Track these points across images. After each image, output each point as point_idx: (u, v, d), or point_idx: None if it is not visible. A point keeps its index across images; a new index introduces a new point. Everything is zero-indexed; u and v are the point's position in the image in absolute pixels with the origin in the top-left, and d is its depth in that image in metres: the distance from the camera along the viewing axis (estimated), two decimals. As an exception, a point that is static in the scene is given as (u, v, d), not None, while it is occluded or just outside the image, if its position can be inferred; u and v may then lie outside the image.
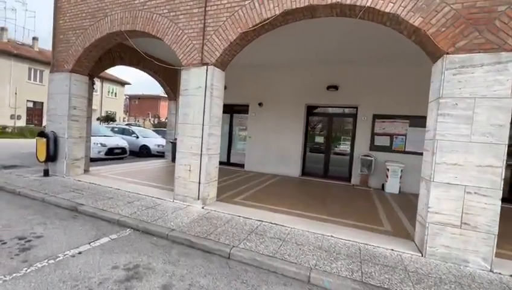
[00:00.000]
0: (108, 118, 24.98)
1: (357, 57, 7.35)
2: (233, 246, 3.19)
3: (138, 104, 41.82)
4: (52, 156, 6.16)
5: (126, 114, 38.88)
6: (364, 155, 7.48)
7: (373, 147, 7.66)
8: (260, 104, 9.06)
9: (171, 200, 4.88)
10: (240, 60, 8.95)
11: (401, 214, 5.09)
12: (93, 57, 6.28)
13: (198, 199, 4.63)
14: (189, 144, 4.71)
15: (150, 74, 9.45)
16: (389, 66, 7.40)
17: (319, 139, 8.80)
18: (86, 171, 6.85)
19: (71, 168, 6.32)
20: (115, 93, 31.28)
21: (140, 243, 3.27)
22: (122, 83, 32.35)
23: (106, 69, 7.52)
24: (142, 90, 49.46)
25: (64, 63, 6.25)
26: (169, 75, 10.06)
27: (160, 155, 11.81)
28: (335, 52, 7.09)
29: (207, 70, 4.57)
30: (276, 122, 8.84)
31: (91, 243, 3.15)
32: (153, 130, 14.84)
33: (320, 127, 8.95)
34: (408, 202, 6.11)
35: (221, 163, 10.51)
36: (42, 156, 6.07)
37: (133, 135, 12.16)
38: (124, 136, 11.73)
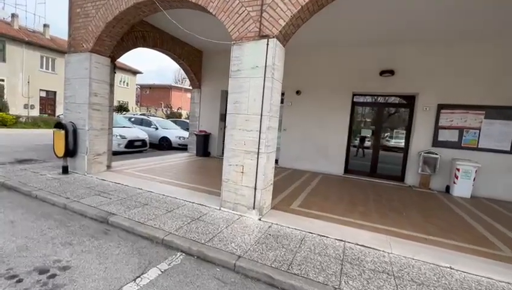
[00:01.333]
0: (122, 108, 24.31)
1: (422, 36, 6.15)
2: (336, 289, 2.26)
3: (149, 94, 41.08)
4: (71, 151, 5.34)
5: (137, 104, 38.33)
6: (428, 152, 6.39)
7: (436, 143, 6.54)
8: (298, 92, 7.99)
9: (218, 208, 3.98)
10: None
11: (503, 228, 4.05)
12: (117, 34, 5.33)
13: (254, 208, 3.71)
14: (242, 139, 3.75)
15: (173, 58, 8.46)
16: (460, 46, 6.18)
17: (366, 133, 7.72)
18: (108, 167, 6.03)
19: (93, 164, 5.49)
20: (127, 83, 30.53)
21: (202, 279, 2.37)
22: (134, 72, 31.54)
23: (128, 50, 6.57)
24: (152, 80, 48.69)
25: (82, 42, 5.32)
26: (194, 60, 9.07)
27: (181, 148, 10.96)
28: (397, 30, 5.91)
29: (267, 44, 3.54)
30: (317, 113, 7.78)
31: (137, 280, 2.27)
32: (171, 121, 13.99)
33: (368, 119, 7.84)
34: (494, 210, 5.05)
35: None
36: (60, 150, 5.25)
37: (152, 126, 11.32)
38: (142, 128, 10.92)
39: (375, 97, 7.54)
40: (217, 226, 3.35)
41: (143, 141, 9.49)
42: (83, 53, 5.30)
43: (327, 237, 3.26)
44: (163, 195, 4.41)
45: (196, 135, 9.20)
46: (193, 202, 4.17)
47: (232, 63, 3.82)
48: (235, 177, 3.83)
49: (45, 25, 24.08)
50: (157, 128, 11.27)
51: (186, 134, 11.44)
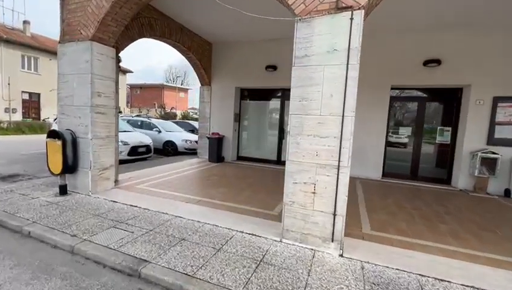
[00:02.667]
0: (113, 110, 22.80)
1: (475, 20, 5.36)
2: None
3: (140, 94, 39.29)
4: (71, 166, 4.24)
5: (127, 105, 36.54)
6: (486, 151, 5.62)
7: (492, 140, 5.79)
8: (326, 87, 7.08)
9: (278, 240, 3.02)
10: (291, 29, 6.83)
11: None
12: (124, 16, 4.25)
13: (332, 240, 2.77)
14: (313, 148, 2.79)
15: (181, 51, 7.38)
16: (520, 30, 5.42)
17: (405, 131, 6.91)
18: (116, 182, 4.95)
19: (98, 181, 4.41)
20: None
21: None
22: (124, 71, 29.84)
23: (133, 41, 5.47)
24: (140, 80, 46.59)
25: (80, 28, 4.21)
26: (203, 53, 8.01)
27: (189, 153, 9.88)
28: (447, 13, 5.09)
29: (351, 19, 2.59)
30: (349, 110, 6.89)
31: None
32: (173, 122, 12.84)
33: (407, 115, 7.02)
34: None
35: (269, 162, 8.63)
36: (57, 166, 4.14)
37: (155, 129, 10.17)
38: (143, 131, 9.76)
39: (416, 91, 6.72)
40: (295, 273, 2.40)
41: (147, 146, 8.37)
42: (82, 42, 4.19)
43: (449, 281, 2.37)
44: (199, 222, 3.41)
45: (209, 138, 8.15)
46: (242, 231, 3.20)
47: (296, 47, 2.85)
48: (303, 199, 2.88)
49: (25, 22, 22.20)
50: (160, 132, 10.12)
51: (193, 137, 10.36)
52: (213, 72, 8.48)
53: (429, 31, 5.99)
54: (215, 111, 8.53)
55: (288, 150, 2.92)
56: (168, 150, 9.81)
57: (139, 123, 10.36)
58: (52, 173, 4.23)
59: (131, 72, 31.09)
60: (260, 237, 3.09)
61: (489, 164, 5.55)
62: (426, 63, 6.10)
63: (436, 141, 6.60)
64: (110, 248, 2.66)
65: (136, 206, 3.87)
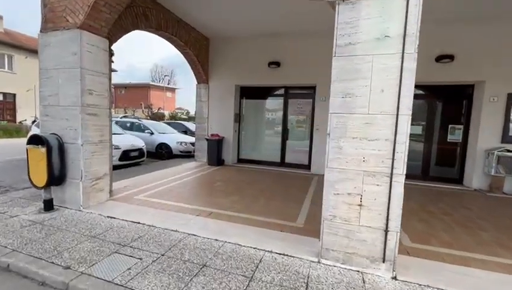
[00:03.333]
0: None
1: (489, 13, 5.17)
2: None
3: (125, 94, 37.73)
4: (57, 177, 3.60)
5: (112, 105, 35.03)
6: (501, 150, 5.45)
7: (507, 138, 5.63)
8: (333, 85, 6.72)
9: (315, 261, 2.58)
10: (298, 23, 6.52)
11: None
12: (120, 1, 3.66)
13: (384, 261, 2.36)
14: (360, 153, 2.37)
15: (178, 46, 6.78)
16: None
17: (415, 130, 6.67)
18: (110, 192, 4.33)
19: (91, 193, 3.80)
20: (100, 82, 27.43)
21: None
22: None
23: (127, 32, 4.85)
24: (124, 79, 44.67)
25: (66, 14, 3.58)
26: (200, 49, 7.45)
27: (185, 155, 9.27)
28: (456, 5, 4.86)
29: (407, -1, 2.19)
30: (358, 108, 6.57)
31: None
32: (165, 123, 12.13)
33: (417, 114, 6.77)
34: None
35: (272, 164, 8.00)
36: (41, 178, 3.49)
37: (147, 131, 9.45)
38: (134, 133, 9.04)
39: (426, 88, 6.49)
40: (352, 308, 1.97)
41: (140, 150, 7.70)
42: (69, 31, 3.56)
43: (531, 308, 2.02)
44: (217, 240, 2.91)
45: (208, 140, 7.60)
46: (270, 251, 2.73)
47: (337, 33, 2.41)
48: (346, 212, 2.45)
49: (-3, 16, 20.57)
50: (152, 133, 9.43)
51: (188, 139, 9.75)
52: (210, 69, 7.92)
53: (442, 25, 5.76)
54: (214, 111, 7.98)
55: (328, 156, 2.48)
56: (162, 153, 9.14)
57: (128, 125, 9.60)
58: (35, 186, 3.57)
59: (115, 71, 29.68)
60: (294, 257, 2.64)
61: (506, 162, 5.38)
62: (439, 59, 5.87)
63: (448, 140, 6.41)
64: (117, 284, 2.12)
65: (138, 223, 3.30)
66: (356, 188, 2.41)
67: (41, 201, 3.78)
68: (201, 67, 7.57)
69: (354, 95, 2.37)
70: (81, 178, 3.64)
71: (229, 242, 2.88)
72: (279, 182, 5.93)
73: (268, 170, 7.27)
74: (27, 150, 3.53)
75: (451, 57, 5.78)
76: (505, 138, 5.63)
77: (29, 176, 3.58)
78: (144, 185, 5.08)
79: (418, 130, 6.62)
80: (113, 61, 4.52)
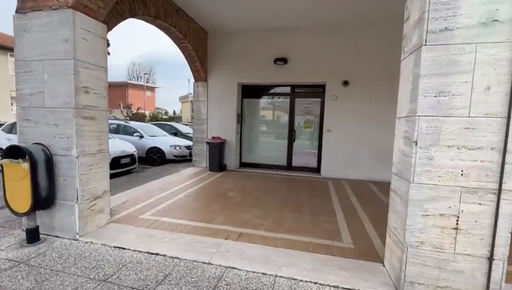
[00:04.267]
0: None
1: None
2: None
3: (100, 94, 35.23)
4: (45, 199, 2.80)
5: (86, 106, 32.43)
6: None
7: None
8: (346, 83, 6.36)
9: (396, 296, 2.11)
10: (307, 17, 6.07)
11: None
12: (125, -24, 2.94)
13: (486, 296, 1.95)
14: (457, 165, 1.92)
15: (175, 39, 6.04)
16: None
17: (427, 130, 6.49)
18: (110, 212, 3.56)
19: (89, 216, 3.04)
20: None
21: None
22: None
23: (123, 19, 4.08)
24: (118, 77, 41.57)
25: (53, -10, 2.79)
26: (199, 43, 6.75)
27: (179, 160, 8.48)
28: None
29: (524, -26, 1.77)
30: (371, 108, 6.26)
31: None
32: (153, 125, 11.15)
33: None
34: None
35: (277, 167, 7.40)
36: (22, 201, 2.68)
37: (136, 134, 8.50)
38: (121, 137, 8.08)
39: None
40: None
41: (131, 156, 6.84)
42: (58, 11, 2.77)
43: None
44: (265, 274, 2.33)
45: (209, 143, 6.91)
46: (336, 287, 2.21)
47: (429, 16, 1.93)
48: (438, 238, 2.00)
49: None
50: (142, 137, 8.50)
51: (182, 142, 8.95)
52: (210, 65, 7.23)
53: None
54: (214, 111, 7.30)
55: (415, 169, 2.01)
56: (154, 159, 8.27)
57: (114, 127, 8.58)
58: (14, 212, 2.75)
59: (89, 68, 27.46)
60: (366, 293, 2.15)
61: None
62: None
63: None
64: None
65: (157, 255, 2.63)
66: (451, 208, 1.96)
67: (21, 229, 2.97)
68: (200, 64, 6.86)
69: (451, 93, 1.91)
70: (77, 199, 2.88)
71: (282, 276, 2.33)
72: (295, 189, 5.43)
73: (275, 175, 6.75)
74: (2, 166, 2.70)
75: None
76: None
77: (5, 199, 2.75)
78: (146, 200, 4.33)
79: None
80: (109, 53, 3.74)
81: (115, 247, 2.77)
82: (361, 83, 6.26)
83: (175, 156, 8.45)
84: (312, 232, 3.28)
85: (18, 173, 2.65)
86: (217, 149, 6.86)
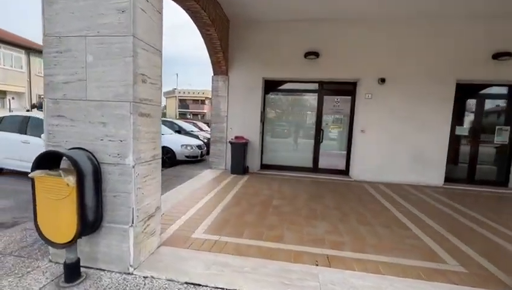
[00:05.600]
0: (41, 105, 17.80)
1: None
2: None
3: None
4: (91, 222, 2.10)
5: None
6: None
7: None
8: (382, 81, 5.98)
9: None
10: (343, 7, 5.60)
11: None
12: None
13: None
14: None
15: (201, 25, 5.32)
16: None
17: (461, 131, 6.29)
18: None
19: (142, 241, 2.36)
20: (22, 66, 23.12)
21: None
22: (40, 52, 24.11)
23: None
24: None
25: None
26: (223, 31, 6.08)
27: (191, 161, 7.74)
28: None
29: None
30: (409, 108, 5.94)
31: None
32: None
33: (468, 114, 6.38)
34: None
35: (302, 170, 6.79)
36: (63, 227, 1.96)
37: (142, 132, 7.64)
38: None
39: (479, 87, 6.13)
40: None
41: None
42: (110, -31, 2.06)
43: None
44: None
45: (232, 143, 6.26)
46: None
47: None
48: None
49: None
50: (148, 135, 7.64)
51: (194, 141, 8.21)
52: (231, 57, 6.56)
53: (498, 20, 5.39)
54: (236, 108, 6.65)
55: None
56: (164, 160, 7.46)
57: None
58: (51, 243, 2.01)
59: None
60: None
61: None
62: (496, 56, 5.51)
63: (494, 141, 6.17)
64: None
65: (249, 293, 2.04)
66: None
67: (47, 259, 2.25)
68: (223, 55, 6.18)
69: None
70: (132, 221, 2.19)
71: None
72: (338, 194, 4.97)
73: (302, 178, 6.27)
74: (34, 180, 1.96)
75: (510, 54, 5.45)
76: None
77: (36, 225, 2.01)
78: (185, 212, 3.67)
79: (464, 131, 6.28)
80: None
81: (187, 283, 2.13)
82: (400, 81, 5.91)
83: (186, 156, 7.69)
84: (403, 250, 2.83)
85: (58, 189, 1.92)
86: (240, 150, 6.24)
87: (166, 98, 54.11)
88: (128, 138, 2.14)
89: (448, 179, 6.10)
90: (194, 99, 48.38)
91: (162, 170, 7.60)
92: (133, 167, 2.17)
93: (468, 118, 6.28)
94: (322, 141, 6.73)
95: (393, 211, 4.13)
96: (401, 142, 6.03)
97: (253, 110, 6.59)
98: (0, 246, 2.60)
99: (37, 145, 5.22)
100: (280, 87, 6.92)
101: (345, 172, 6.68)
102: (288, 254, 2.65)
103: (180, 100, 48.08)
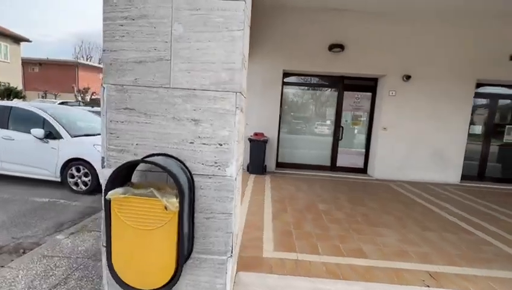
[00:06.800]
0: (10, 94, 15.48)
1: None
2: None
3: (40, 74, 29.08)
4: (185, 256, 1.53)
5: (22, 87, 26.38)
6: None
7: None
8: (407, 77, 5.85)
9: None
10: None
11: None
12: None
13: None
14: None
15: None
16: None
17: (474, 130, 6.45)
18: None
19: (233, 271, 1.84)
20: (6, 55, 20.17)
21: None
22: (17, 39, 21.17)
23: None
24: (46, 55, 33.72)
25: None
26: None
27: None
28: None
29: None
30: (432, 106, 5.90)
31: None
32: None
33: (477, 113, 6.53)
34: None
35: (320, 168, 6.52)
36: (155, 266, 1.38)
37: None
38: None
39: (496, 87, 6.27)
40: None
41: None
42: None
43: None
44: None
45: (252, 140, 5.74)
46: None
47: None
48: None
49: None
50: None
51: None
52: (251, 47, 5.97)
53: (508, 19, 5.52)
54: (254, 102, 6.09)
55: None
56: (167, 158, 6.68)
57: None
58: (130, 288, 1.43)
59: (29, 41, 22.33)
60: None
61: None
62: (513, 56, 5.67)
63: (504, 140, 6.43)
64: None
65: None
66: None
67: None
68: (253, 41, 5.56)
69: None
70: (232, 250, 1.67)
71: None
72: (370, 194, 4.76)
73: (323, 177, 5.99)
74: (108, 203, 1.34)
75: (526, 56, 5.62)
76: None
77: (110, 264, 1.40)
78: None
79: (478, 129, 6.45)
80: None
81: (305, 326, 1.68)
82: (424, 79, 5.83)
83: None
84: (491, 260, 2.64)
85: (152, 215, 1.34)
86: (260, 148, 5.75)
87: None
88: (230, 140, 1.59)
89: (467, 177, 6.24)
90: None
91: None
92: (235, 178, 1.64)
93: (481, 118, 6.46)
94: (341, 138, 6.49)
95: (439, 212, 4.02)
96: (421, 141, 6.00)
97: (271, 104, 6.11)
98: (21, 288, 1.90)
99: (25, 142, 4.23)
100: (298, 81, 6.52)
101: (363, 170, 6.54)
102: (385, 272, 2.31)
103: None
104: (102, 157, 1.64)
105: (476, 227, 3.50)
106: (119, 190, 1.34)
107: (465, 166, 6.29)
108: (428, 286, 2.15)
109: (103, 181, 1.60)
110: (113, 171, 1.35)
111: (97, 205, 3.79)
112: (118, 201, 1.34)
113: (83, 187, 4.21)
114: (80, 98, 21.66)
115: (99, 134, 4.81)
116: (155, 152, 1.60)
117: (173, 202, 1.32)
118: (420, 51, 5.77)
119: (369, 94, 6.36)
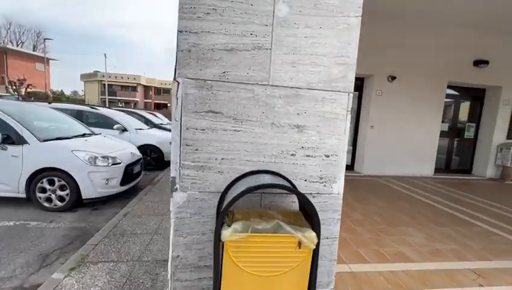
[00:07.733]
0: None
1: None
2: None
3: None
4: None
5: None
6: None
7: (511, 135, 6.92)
8: (392, 78, 6.16)
9: None
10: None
11: None
12: None
13: None
14: None
15: None
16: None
17: (442, 127, 7.16)
18: None
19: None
20: None
21: None
22: None
23: None
24: None
25: None
26: None
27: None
28: (497, 16, 5.38)
29: None
30: (413, 105, 6.33)
31: None
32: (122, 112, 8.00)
33: (448, 112, 7.22)
34: None
35: None
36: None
37: (116, 127, 5.77)
38: (96, 130, 5.31)
39: (460, 89, 7.01)
40: None
41: (139, 161, 4.55)
42: None
43: None
44: None
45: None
46: None
47: None
48: None
49: None
50: (124, 130, 5.87)
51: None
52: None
53: (480, 31, 6.21)
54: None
55: None
56: (148, 161, 5.90)
57: (83, 116, 5.55)
58: None
59: None
60: None
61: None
62: (477, 63, 6.39)
63: (465, 136, 7.28)
64: None
65: None
66: None
67: None
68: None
69: None
70: (333, 281, 1.40)
71: None
72: (375, 192, 4.89)
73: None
74: (225, 245, 0.96)
75: (486, 62, 6.38)
76: (509, 135, 6.90)
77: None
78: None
79: (445, 127, 7.17)
80: None
81: None
82: (406, 79, 6.21)
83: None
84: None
85: (277, 257, 1.00)
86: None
87: (85, 82, 45.28)
88: (339, 151, 1.32)
89: (437, 170, 6.92)
90: (123, 86, 41.98)
91: (149, 173, 5.98)
92: (341, 196, 1.37)
93: (447, 116, 7.22)
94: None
95: (436, 205, 4.32)
96: (403, 139, 6.42)
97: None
98: None
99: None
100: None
101: (351, 167, 6.76)
102: (438, 275, 2.30)
103: (105, 86, 40.96)
104: (173, 177, 1.21)
105: (477, 219, 3.81)
106: (237, 226, 0.96)
107: (436, 160, 6.96)
108: (481, 285, 2.20)
109: (173, 209, 1.20)
110: (227, 204, 0.97)
111: (85, 224, 3.09)
112: (234, 243, 0.96)
113: (58, 203, 3.39)
114: (11, 91, 18.17)
115: (76, 136, 4.00)
116: (247, 169, 1.24)
117: (312, 237, 1.00)
118: (403, 53, 6.12)
119: (356, 93, 6.55)
